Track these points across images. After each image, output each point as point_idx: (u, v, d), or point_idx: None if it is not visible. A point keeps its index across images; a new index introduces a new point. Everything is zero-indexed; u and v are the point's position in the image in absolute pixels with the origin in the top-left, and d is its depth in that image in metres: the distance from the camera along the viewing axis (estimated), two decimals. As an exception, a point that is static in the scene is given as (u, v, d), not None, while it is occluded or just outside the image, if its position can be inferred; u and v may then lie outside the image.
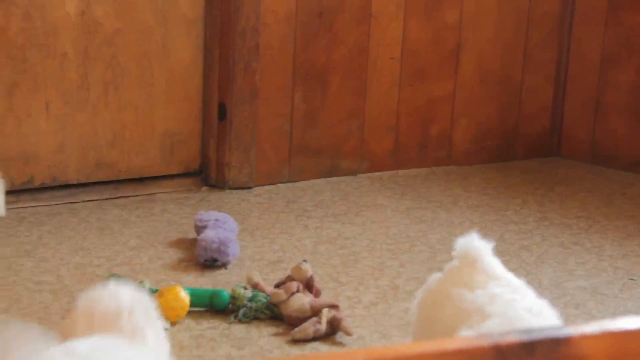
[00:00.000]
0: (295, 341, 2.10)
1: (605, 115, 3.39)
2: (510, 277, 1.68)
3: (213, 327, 2.14)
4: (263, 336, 2.12)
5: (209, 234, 2.44)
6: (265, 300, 2.19)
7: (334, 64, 3.11)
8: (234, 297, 2.18)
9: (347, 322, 2.14)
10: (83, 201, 2.81)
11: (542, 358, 1.05)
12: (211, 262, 2.41)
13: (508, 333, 1.06)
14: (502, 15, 3.32)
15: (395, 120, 3.26)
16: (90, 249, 2.50)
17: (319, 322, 2.12)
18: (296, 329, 2.12)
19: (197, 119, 3.02)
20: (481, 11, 3.29)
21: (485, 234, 2.78)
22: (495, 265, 1.69)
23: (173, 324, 2.12)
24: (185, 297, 2.14)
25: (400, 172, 3.27)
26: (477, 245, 1.68)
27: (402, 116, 3.26)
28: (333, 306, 2.17)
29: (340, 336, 2.13)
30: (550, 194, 3.14)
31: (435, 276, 1.74)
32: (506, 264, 2.58)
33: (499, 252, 2.65)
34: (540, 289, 2.43)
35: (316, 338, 2.11)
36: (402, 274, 2.47)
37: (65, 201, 2.80)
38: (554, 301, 2.36)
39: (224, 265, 2.42)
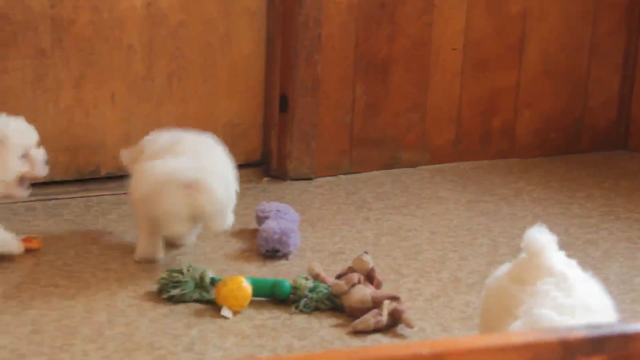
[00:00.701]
0: (356, 333, 2.10)
1: (674, 107, 3.31)
2: (568, 272, 1.65)
3: (274, 317, 2.16)
4: (324, 327, 2.13)
5: (270, 225, 2.45)
6: (326, 291, 2.20)
7: (396, 55, 3.10)
8: (295, 288, 2.20)
9: (408, 314, 2.13)
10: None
11: (610, 354, 1.03)
12: (272, 253, 2.43)
13: (576, 328, 1.05)
14: (568, 4, 3.27)
15: (457, 111, 3.23)
16: (154, 238, 2.54)
17: (380, 314, 2.12)
18: (357, 321, 2.12)
19: (258, 110, 3.04)
20: (546, 1, 3.24)
21: (548, 227, 2.75)
22: (554, 259, 1.66)
23: (235, 313, 2.14)
24: (247, 287, 2.16)
25: (462, 164, 3.24)
26: (539, 239, 1.66)
27: (464, 107, 3.23)
28: (394, 298, 2.16)
29: (401, 328, 2.13)
30: (616, 187, 3.08)
31: (502, 268, 1.73)
32: (570, 259, 2.55)
33: (563, 246, 2.61)
34: (607, 285, 2.38)
35: (377, 330, 2.11)
36: (463, 267, 2.46)
37: (130, 190, 2.84)
38: (621, 297, 2.32)
39: (285, 256, 2.44)
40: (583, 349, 1.03)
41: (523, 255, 1.68)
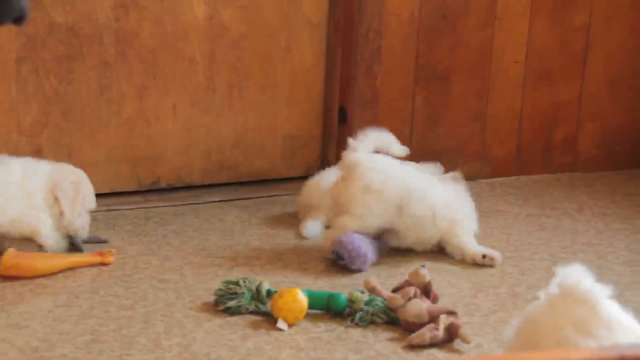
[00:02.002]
0: (412, 347, 2.09)
1: None
2: (613, 317, 1.53)
3: (330, 330, 2.16)
4: (379, 340, 2.12)
5: (351, 235, 2.44)
6: (382, 304, 2.19)
7: (457, 66, 3.08)
8: (351, 301, 2.19)
9: (465, 329, 2.11)
10: (205, 202, 2.89)
11: (667, 376, 1.01)
12: (338, 258, 2.42)
13: (636, 345, 1.02)
14: (634, 15, 3.20)
15: (518, 123, 3.20)
16: (212, 250, 2.56)
17: (436, 329, 2.10)
18: (413, 335, 2.10)
19: (318, 122, 3.05)
20: (612, 13, 3.18)
21: (611, 243, 2.70)
22: (601, 305, 1.55)
23: (291, 325, 2.15)
24: (303, 299, 2.16)
25: (523, 177, 3.20)
26: (578, 280, 1.55)
27: (526, 120, 3.19)
28: (451, 312, 2.14)
29: (458, 343, 2.11)
30: (682, 202, 3.01)
31: (535, 304, 1.67)
32: (633, 275, 2.49)
33: (625, 262, 2.56)
34: (670, 303, 2.33)
35: (433, 344, 2.09)
36: (522, 282, 2.42)
37: (188, 202, 2.88)
38: (684, 316, 2.26)
39: (358, 269, 2.43)
40: (640, 370, 1.00)
41: (555, 291, 1.56)
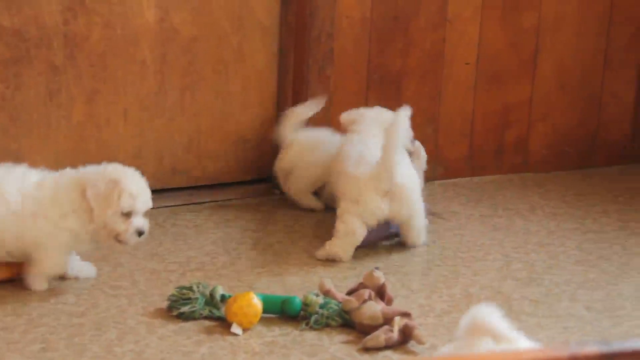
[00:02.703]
0: (367, 349, 2.09)
1: (690, 120, 3.28)
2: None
3: (285, 333, 2.15)
4: (334, 343, 2.11)
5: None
6: (337, 307, 2.19)
7: (409, 69, 3.09)
8: (305, 304, 2.18)
9: (419, 331, 2.11)
10: (158, 207, 2.86)
11: (620, 372, 1.02)
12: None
13: (587, 344, 1.03)
14: (583, 19, 3.25)
15: (471, 125, 3.22)
16: (165, 255, 2.54)
17: (391, 330, 2.11)
18: (368, 337, 2.10)
19: (271, 124, 3.04)
20: (560, 15, 3.23)
21: (562, 242, 2.73)
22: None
23: (246, 330, 2.13)
24: (257, 303, 2.15)
25: (475, 178, 3.23)
26: (487, 315, 1.62)
27: (478, 121, 3.21)
28: (405, 314, 2.15)
29: (412, 345, 2.11)
30: (631, 202, 3.05)
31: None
32: (584, 274, 2.53)
33: (576, 262, 2.59)
34: (621, 300, 2.37)
35: (388, 346, 2.09)
36: (475, 283, 2.44)
37: (142, 206, 2.84)
38: (635, 312, 2.30)
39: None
40: (592, 366, 1.01)
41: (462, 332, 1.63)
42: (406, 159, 2.62)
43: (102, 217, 2.21)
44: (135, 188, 2.23)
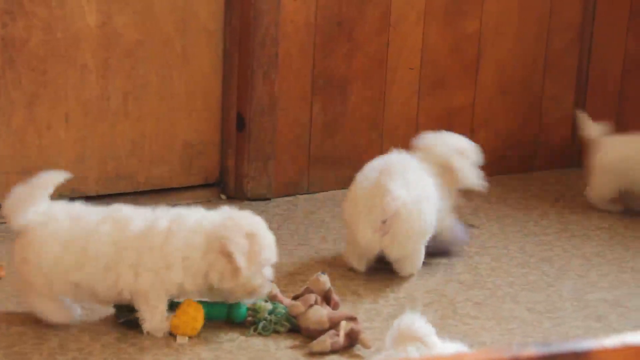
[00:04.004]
0: (313, 354, 2.09)
1: (627, 124, 3.36)
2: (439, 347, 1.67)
3: (231, 339, 2.14)
4: (281, 349, 2.11)
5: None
6: (284, 312, 2.18)
7: (353, 74, 3.11)
8: (254, 310, 2.17)
9: (365, 335, 2.12)
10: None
11: (560, 374, 1.04)
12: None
13: (527, 346, 1.05)
14: (523, 24, 3.30)
15: (415, 130, 3.25)
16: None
17: (337, 335, 2.11)
18: (314, 342, 2.10)
19: (216, 129, 3.02)
20: (501, 21, 3.28)
21: (505, 245, 2.77)
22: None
23: (191, 337, 2.11)
24: (194, 309, 2.12)
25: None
26: (411, 322, 1.69)
27: (422, 126, 3.24)
28: (351, 318, 2.15)
29: (358, 349, 2.12)
30: (571, 205, 3.11)
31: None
32: (526, 276, 2.56)
33: (518, 264, 2.63)
34: (561, 302, 2.41)
35: (334, 351, 2.10)
36: (420, 286, 2.46)
37: (84, 212, 2.80)
38: (575, 314, 2.34)
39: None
40: (534, 368, 1.03)
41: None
42: (416, 179, 2.41)
43: (247, 272, 2.05)
44: (269, 239, 2.10)
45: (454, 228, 2.60)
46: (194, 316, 2.11)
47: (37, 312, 2.10)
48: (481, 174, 2.60)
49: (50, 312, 2.09)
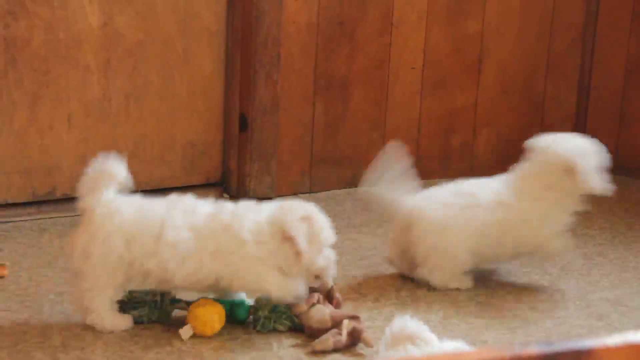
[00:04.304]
0: (316, 352, 2.09)
1: (630, 125, 3.36)
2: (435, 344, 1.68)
3: (233, 338, 2.14)
4: (283, 347, 2.11)
5: None
6: (285, 311, 2.18)
7: (355, 74, 3.11)
8: (256, 307, 2.17)
9: (367, 334, 2.12)
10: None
11: (563, 371, 1.04)
12: None
13: (529, 345, 1.05)
14: (525, 25, 3.31)
15: (417, 130, 3.25)
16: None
17: (340, 334, 2.11)
18: (316, 341, 2.10)
19: (218, 129, 3.03)
20: (503, 21, 3.28)
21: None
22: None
23: (202, 335, 2.11)
24: (221, 313, 2.13)
25: (422, 183, 3.25)
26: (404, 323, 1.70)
27: (424, 127, 3.24)
28: (353, 317, 2.15)
29: (361, 347, 2.12)
30: (573, 204, 3.10)
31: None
32: (529, 275, 2.56)
33: (522, 264, 2.63)
34: (563, 301, 2.41)
35: (336, 349, 2.09)
36: (422, 286, 2.45)
37: (86, 212, 2.80)
38: (577, 313, 2.34)
39: None
40: (536, 366, 1.03)
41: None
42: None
43: (311, 257, 2.08)
44: (324, 220, 2.12)
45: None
46: (216, 318, 2.11)
47: (92, 320, 2.09)
48: (606, 177, 2.39)
49: (108, 316, 2.08)
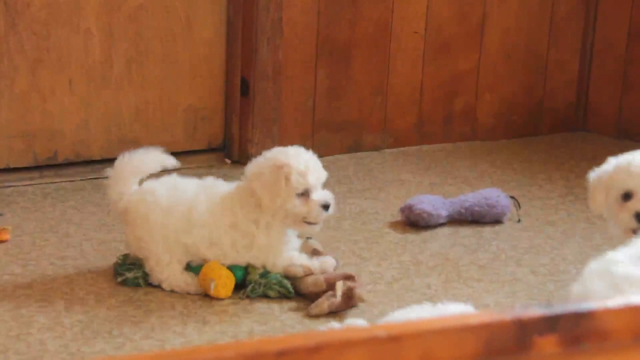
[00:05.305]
0: (313, 317, 2.09)
1: (632, 88, 3.34)
2: None
3: (235, 302, 2.15)
4: (285, 311, 2.12)
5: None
6: (277, 277, 2.16)
7: (358, 39, 3.09)
8: (247, 272, 2.17)
9: (360, 290, 2.12)
10: (106, 177, 2.82)
11: (564, 332, 1.04)
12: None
13: (530, 307, 1.05)
14: (528, -12, 3.27)
15: (419, 95, 3.24)
16: (113, 225, 2.51)
17: (334, 295, 2.11)
18: (312, 305, 2.10)
19: (220, 95, 3.02)
20: (506, -16, 3.24)
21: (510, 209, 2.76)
22: None
23: (222, 297, 2.13)
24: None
25: (424, 147, 3.24)
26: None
27: (426, 91, 3.23)
28: (348, 277, 2.15)
29: (362, 312, 2.12)
30: (575, 169, 3.10)
31: None
32: (531, 239, 2.57)
33: (523, 228, 2.63)
34: (565, 265, 2.41)
35: (333, 311, 2.10)
36: (424, 250, 2.46)
37: (88, 177, 2.81)
38: (579, 277, 2.34)
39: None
40: (537, 328, 1.03)
41: None
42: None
43: (272, 206, 2.10)
44: (302, 165, 2.12)
45: (500, 198, 2.58)
46: (229, 283, 2.14)
47: (169, 285, 2.14)
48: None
49: (180, 279, 2.14)
